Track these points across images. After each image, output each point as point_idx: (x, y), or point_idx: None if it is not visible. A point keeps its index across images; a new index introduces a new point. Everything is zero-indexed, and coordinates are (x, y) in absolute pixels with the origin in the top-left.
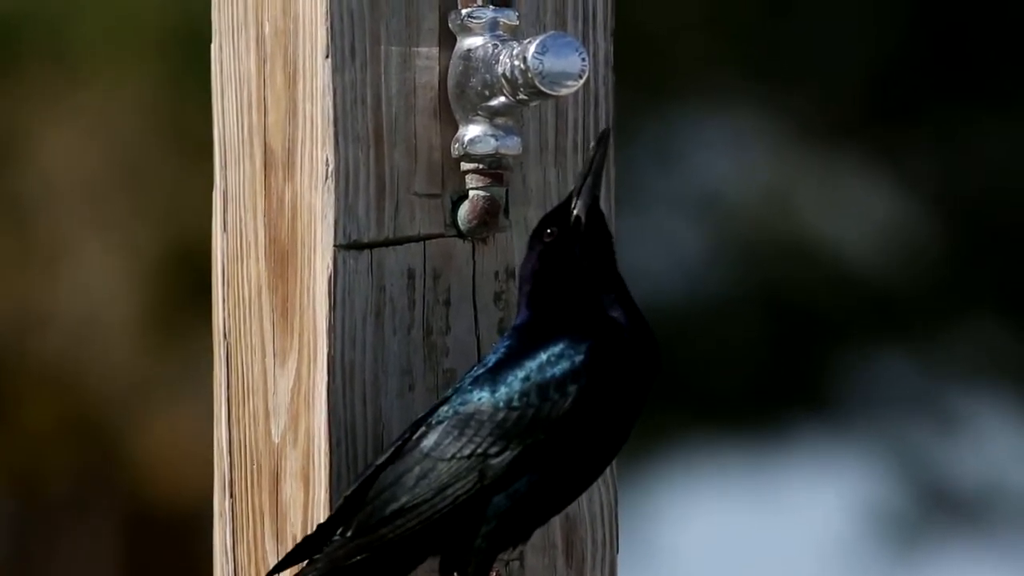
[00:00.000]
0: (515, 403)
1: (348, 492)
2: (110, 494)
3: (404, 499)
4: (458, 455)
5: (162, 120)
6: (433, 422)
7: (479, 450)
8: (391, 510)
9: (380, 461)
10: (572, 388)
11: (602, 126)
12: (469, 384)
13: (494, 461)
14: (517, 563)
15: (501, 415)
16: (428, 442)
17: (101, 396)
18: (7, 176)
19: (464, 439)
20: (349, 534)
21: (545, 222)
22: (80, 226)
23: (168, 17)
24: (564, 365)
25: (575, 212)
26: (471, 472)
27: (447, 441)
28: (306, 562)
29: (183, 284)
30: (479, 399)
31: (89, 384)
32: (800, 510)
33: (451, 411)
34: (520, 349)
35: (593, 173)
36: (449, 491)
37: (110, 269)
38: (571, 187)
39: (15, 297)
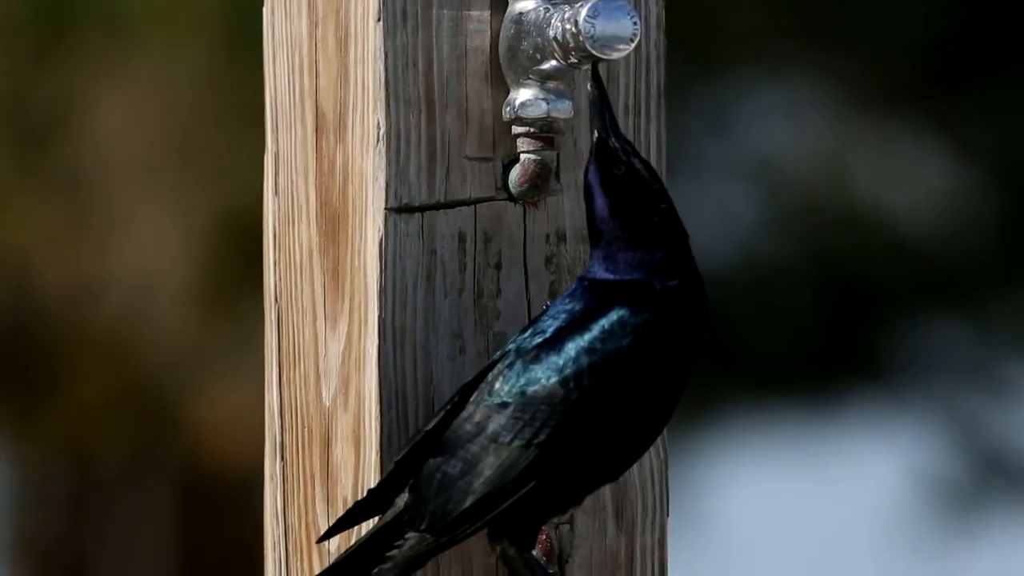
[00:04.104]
0: (585, 381)
1: (398, 457)
2: (164, 462)
3: (484, 490)
4: (535, 441)
5: (216, 88)
6: (495, 402)
7: (556, 434)
8: (470, 503)
9: (430, 427)
10: (639, 360)
11: (653, 90)
12: (531, 356)
13: (571, 442)
14: (567, 526)
15: (574, 395)
16: (496, 426)
17: (155, 365)
18: (61, 145)
19: (537, 423)
20: (423, 528)
21: (611, 160)
22: (134, 195)
23: None
24: (629, 338)
25: (618, 145)
26: (550, 457)
27: (520, 426)
28: (358, 543)
29: (236, 252)
30: (548, 379)
31: (143, 353)
32: (853, 479)
33: (517, 391)
34: (580, 315)
35: (608, 108)
36: (530, 477)
37: (164, 238)
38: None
39: (70, 267)
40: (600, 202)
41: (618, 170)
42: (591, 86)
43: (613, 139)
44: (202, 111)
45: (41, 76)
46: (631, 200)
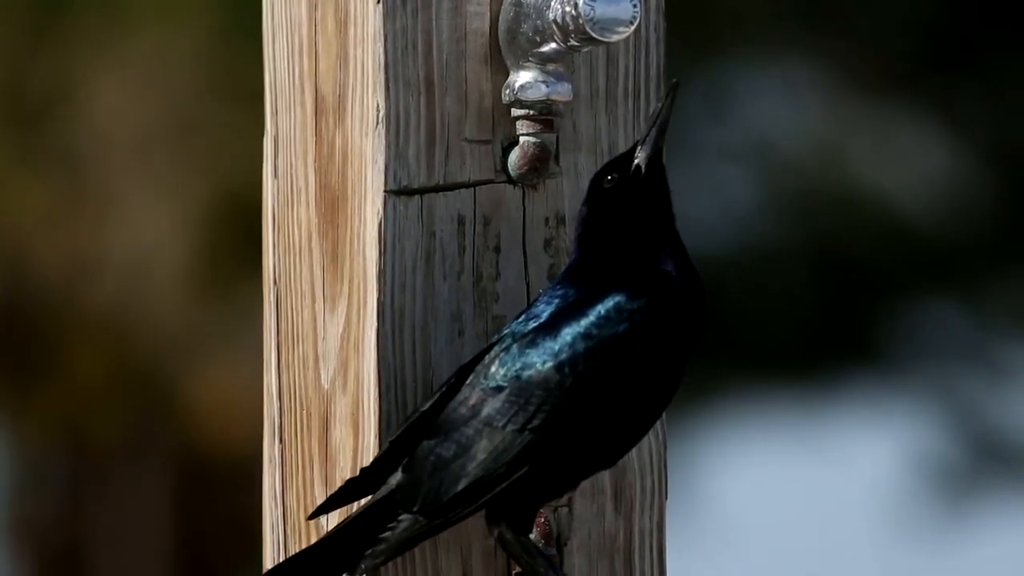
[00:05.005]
0: (580, 367)
1: (393, 437)
2: (161, 442)
3: (477, 474)
4: (529, 426)
5: (213, 69)
6: (490, 386)
7: (551, 419)
8: (463, 486)
9: (426, 407)
10: (636, 347)
11: (653, 73)
12: (527, 341)
13: (565, 428)
14: (566, 509)
15: (569, 381)
16: (490, 410)
17: (152, 345)
18: (58, 126)
19: (532, 408)
20: (415, 509)
21: (607, 168)
22: (131, 176)
23: None
24: (625, 324)
25: (636, 161)
26: (544, 442)
27: (514, 411)
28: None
29: (234, 233)
30: (543, 364)
31: (140, 333)
32: (850, 460)
33: (512, 375)
34: (575, 301)
35: (659, 125)
36: (523, 463)
37: (160, 218)
38: (621, 134)
39: (66, 247)
40: (580, 209)
41: (608, 182)
42: (664, 104)
43: (640, 155)
44: (199, 93)
45: (38, 57)
46: (609, 215)
